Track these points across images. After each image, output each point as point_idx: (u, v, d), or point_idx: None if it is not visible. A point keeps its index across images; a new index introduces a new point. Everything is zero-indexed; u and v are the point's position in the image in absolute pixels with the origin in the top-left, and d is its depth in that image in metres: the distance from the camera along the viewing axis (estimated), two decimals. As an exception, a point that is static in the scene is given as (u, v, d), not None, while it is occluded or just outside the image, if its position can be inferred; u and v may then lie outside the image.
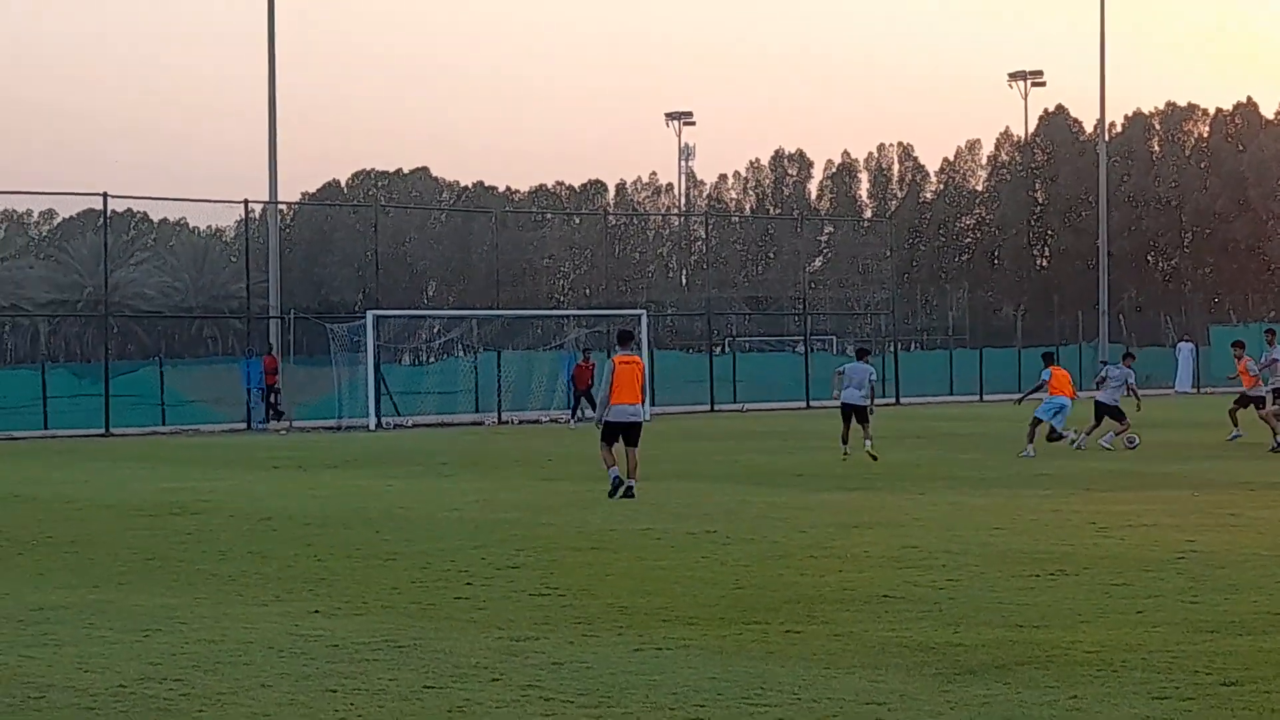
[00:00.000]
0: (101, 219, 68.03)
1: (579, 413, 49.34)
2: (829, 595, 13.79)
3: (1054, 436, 32.17)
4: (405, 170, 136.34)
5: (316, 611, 13.41)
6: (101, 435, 47.59)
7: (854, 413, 31.07)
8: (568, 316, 74.83)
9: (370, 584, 15.06)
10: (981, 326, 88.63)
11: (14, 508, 24.02)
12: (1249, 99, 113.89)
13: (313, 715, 9.58)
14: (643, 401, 24.52)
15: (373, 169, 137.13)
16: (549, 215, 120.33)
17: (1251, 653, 10.91)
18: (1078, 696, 9.69)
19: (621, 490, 23.27)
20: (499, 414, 53.59)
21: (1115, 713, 9.29)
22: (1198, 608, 12.79)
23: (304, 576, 15.66)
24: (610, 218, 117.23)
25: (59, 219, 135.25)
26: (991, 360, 72.36)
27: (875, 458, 29.69)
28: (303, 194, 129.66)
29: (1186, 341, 77.80)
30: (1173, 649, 11.07)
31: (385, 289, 72.63)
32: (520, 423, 51.79)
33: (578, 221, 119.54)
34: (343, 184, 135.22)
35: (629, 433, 23.91)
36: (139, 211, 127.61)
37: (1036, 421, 31.91)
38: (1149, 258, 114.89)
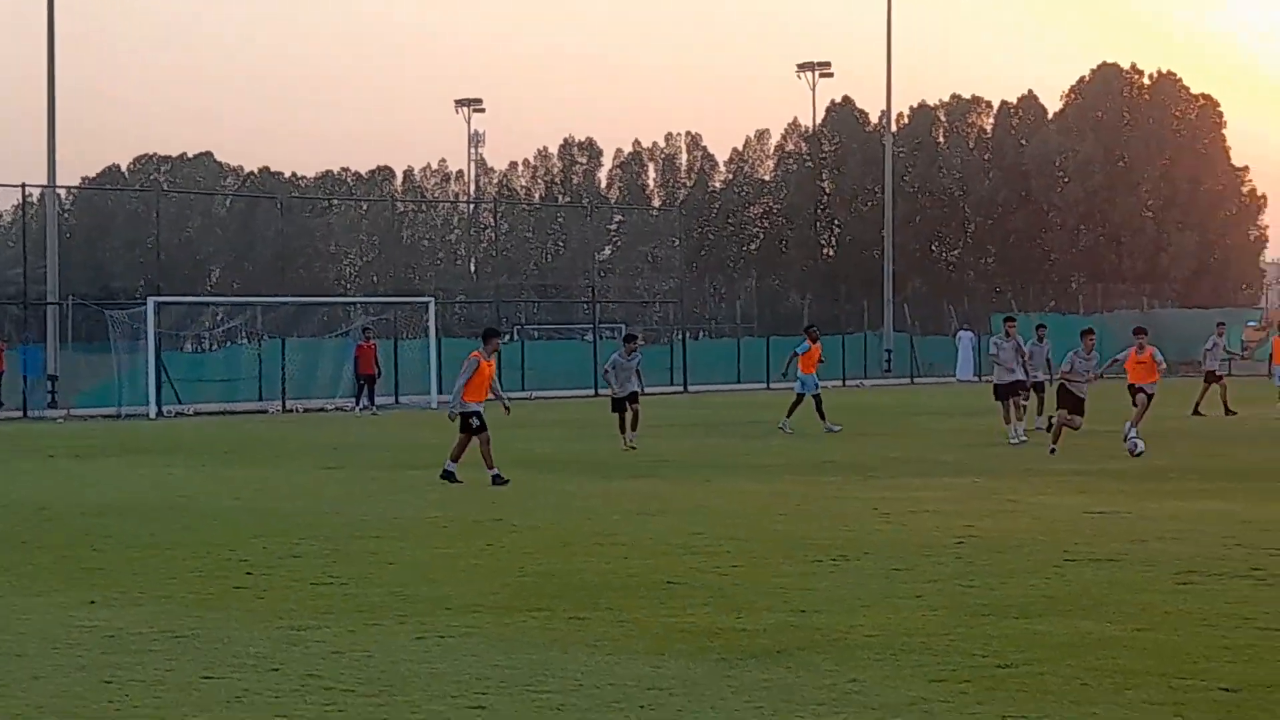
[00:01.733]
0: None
1: (362, 400, 48.96)
2: (614, 582, 13.80)
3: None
4: (189, 155, 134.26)
5: (92, 602, 13.14)
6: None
7: (629, 400, 31.23)
8: (354, 304, 74.26)
9: (148, 574, 14.79)
10: (769, 315, 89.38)
11: None
12: (1031, 92, 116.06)
13: (87, 707, 9.37)
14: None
15: (155, 153, 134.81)
16: (336, 202, 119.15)
17: (1026, 635, 11.08)
18: (857, 680, 9.77)
19: (455, 476, 23.42)
20: (283, 402, 52.99)
21: (893, 695, 9.38)
22: (975, 592, 12.98)
23: (80, 567, 15.34)
24: (398, 205, 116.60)
25: None
26: (779, 348, 72.95)
27: (634, 448, 29.96)
28: (83, 178, 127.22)
29: (966, 330, 79.21)
30: (950, 632, 11.22)
31: (167, 275, 71.57)
32: (305, 411, 51.25)
33: (365, 208, 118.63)
34: (124, 168, 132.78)
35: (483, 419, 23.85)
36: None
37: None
38: (933, 247, 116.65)
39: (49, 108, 57.84)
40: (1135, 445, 26.83)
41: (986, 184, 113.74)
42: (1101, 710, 8.93)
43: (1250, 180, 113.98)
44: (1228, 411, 38.44)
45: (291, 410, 51.67)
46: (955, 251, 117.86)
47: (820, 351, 36.79)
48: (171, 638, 11.48)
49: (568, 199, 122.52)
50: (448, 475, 23.50)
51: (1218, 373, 40.53)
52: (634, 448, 30.04)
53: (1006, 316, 36.14)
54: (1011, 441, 30.16)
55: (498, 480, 23.05)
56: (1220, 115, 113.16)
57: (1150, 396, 29.17)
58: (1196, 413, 38.52)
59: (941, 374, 76.15)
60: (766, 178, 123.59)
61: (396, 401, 54.78)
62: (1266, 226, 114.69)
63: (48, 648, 11.21)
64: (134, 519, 19.56)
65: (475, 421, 23.61)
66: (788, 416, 34.86)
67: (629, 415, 30.84)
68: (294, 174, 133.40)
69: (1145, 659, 10.24)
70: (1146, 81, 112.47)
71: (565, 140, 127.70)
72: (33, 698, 9.63)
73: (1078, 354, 28.48)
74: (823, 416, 34.71)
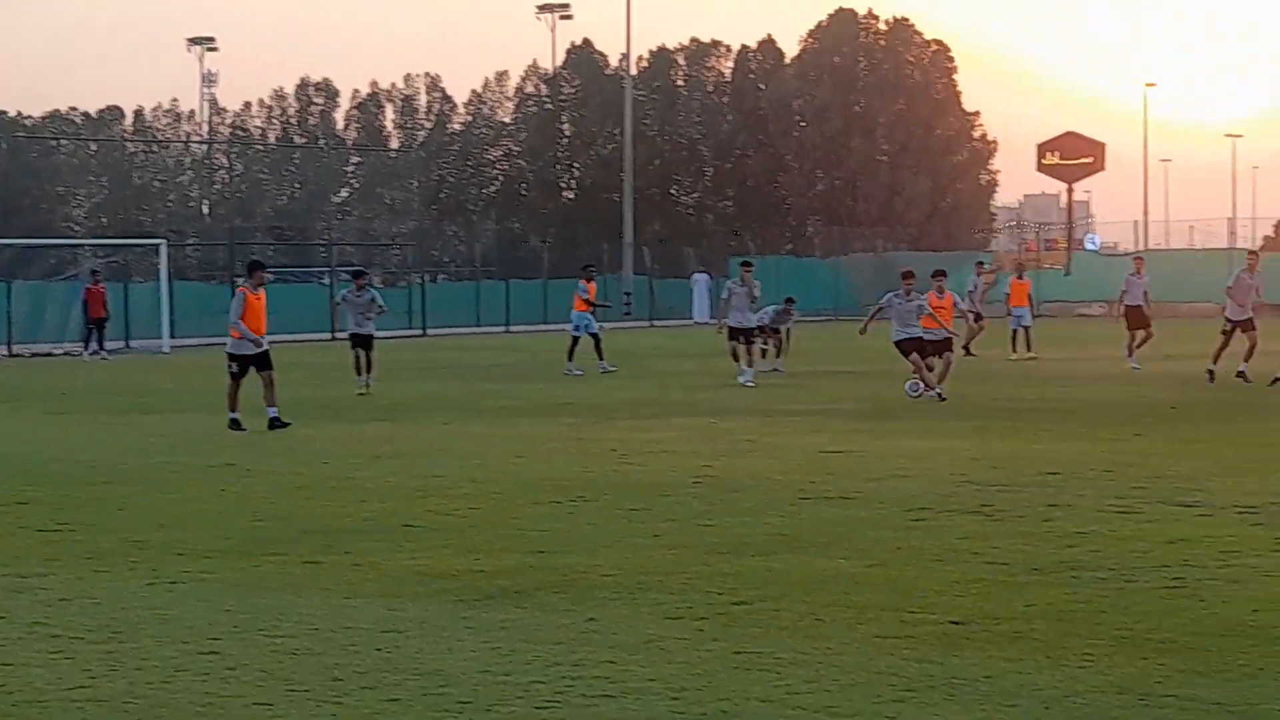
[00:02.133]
0: None
1: (92, 344, 47.90)
2: (350, 526, 13.67)
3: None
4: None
5: None
6: None
7: (364, 342, 30.89)
8: (83, 246, 72.62)
9: None
10: (509, 258, 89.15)
11: None
12: (770, 37, 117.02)
13: None
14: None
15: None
16: (63, 141, 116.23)
17: (762, 572, 11.20)
18: (595, 619, 9.79)
19: (269, 424, 22.69)
20: (9, 347, 51.62)
21: (630, 633, 9.41)
22: (712, 530, 13.09)
23: None
24: (128, 145, 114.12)
25: None
26: (518, 292, 72.98)
27: (371, 391, 29.83)
28: None
29: (702, 273, 79.88)
30: (688, 570, 11.29)
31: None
32: (33, 355, 49.98)
33: (93, 148, 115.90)
34: None
35: (260, 361, 23.24)
36: None
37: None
38: (672, 191, 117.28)
39: None
40: (914, 387, 26.86)
41: (725, 128, 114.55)
42: (835, 644, 9.05)
43: (981, 125, 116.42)
44: (967, 353, 39.20)
45: (18, 355, 50.36)
46: (694, 195, 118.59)
47: (596, 291, 37.13)
48: (-110, 588, 11.13)
49: (304, 140, 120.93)
50: (240, 424, 22.75)
51: (980, 314, 41.18)
52: (370, 391, 29.77)
53: (743, 261, 36.48)
54: (741, 381, 30.43)
55: (275, 424, 22.57)
56: (951, 61, 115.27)
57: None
58: (967, 353, 39.08)
59: (680, 316, 76.72)
60: (506, 120, 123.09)
61: (128, 346, 53.65)
62: (997, 171, 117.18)
63: None
64: None
65: (234, 367, 23.10)
66: (569, 359, 35.02)
67: (364, 358, 30.53)
68: (19, 112, 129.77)
69: (877, 594, 10.41)
70: (882, 27, 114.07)
71: (301, 80, 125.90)
72: None
73: (896, 295, 27.49)
74: (600, 356, 34.97)
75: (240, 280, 24.32)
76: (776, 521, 13.52)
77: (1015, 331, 39.73)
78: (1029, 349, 38.86)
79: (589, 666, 8.62)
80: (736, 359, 31.42)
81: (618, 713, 7.72)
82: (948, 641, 9.08)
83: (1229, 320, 30.61)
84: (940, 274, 28.06)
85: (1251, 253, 34.64)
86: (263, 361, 23.16)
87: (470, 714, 7.73)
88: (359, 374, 30.48)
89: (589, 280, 36.98)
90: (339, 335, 57.92)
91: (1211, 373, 29.65)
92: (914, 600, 10.18)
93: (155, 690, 8.26)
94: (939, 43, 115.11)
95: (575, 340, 35.71)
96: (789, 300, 36.98)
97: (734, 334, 31.79)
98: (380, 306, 31.41)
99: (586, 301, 36.47)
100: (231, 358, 23.19)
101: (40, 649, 9.24)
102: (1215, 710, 7.63)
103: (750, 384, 30.21)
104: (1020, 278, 41.41)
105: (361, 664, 8.76)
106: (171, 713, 7.82)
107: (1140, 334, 34.23)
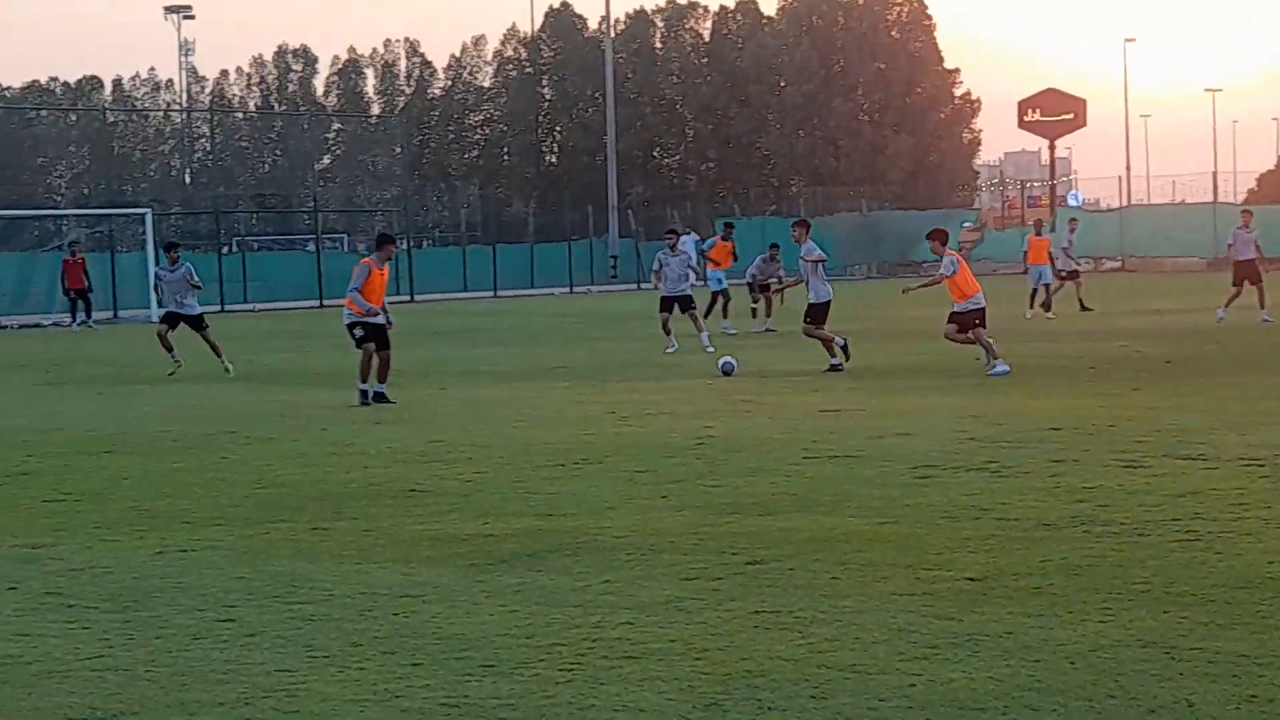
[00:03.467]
0: None
1: (79, 315, 47.77)
2: (356, 491, 13.63)
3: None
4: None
5: None
6: None
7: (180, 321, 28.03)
8: (66, 217, 72.36)
9: None
10: (494, 223, 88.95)
11: None
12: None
13: None
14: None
15: None
16: (43, 112, 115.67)
17: (773, 532, 11.17)
18: (610, 580, 9.76)
19: (371, 396, 21.51)
20: (-1, 318, 51.53)
21: (647, 594, 9.39)
22: (719, 491, 13.06)
23: None
24: (108, 114, 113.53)
25: None
26: (505, 256, 72.92)
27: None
28: None
29: (688, 234, 79.87)
30: (698, 531, 11.27)
31: None
32: (20, 327, 49.86)
33: (74, 119, 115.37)
34: None
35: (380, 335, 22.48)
36: None
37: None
38: (655, 153, 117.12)
39: None
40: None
41: (705, 89, 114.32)
42: (853, 602, 9.03)
43: (963, 83, 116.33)
44: (1082, 308, 39.33)
45: (5, 326, 50.24)
46: (676, 156, 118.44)
47: (733, 248, 37.92)
48: (-102, 561, 11.08)
49: (284, 107, 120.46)
50: (367, 396, 21.53)
51: (1077, 270, 41.38)
52: (231, 372, 27.84)
53: (726, 221, 36.78)
54: (667, 352, 29.29)
55: (378, 398, 21.45)
56: (929, 18, 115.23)
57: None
58: (1084, 309, 39.21)
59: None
60: (486, 84, 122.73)
61: (115, 316, 53.59)
62: (980, 130, 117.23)
63: None
64: None
65: (358, 332, 21.89)
66: (724, 317, 35.39)
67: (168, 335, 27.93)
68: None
69: (891, 552, 10.39)
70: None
71: (280, 47, 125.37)
72: None
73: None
74: (722, 314, 35.43)
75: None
76: (782, 481, 13.49)
77: (1034, 289, 39.36)
78: (1047, 309, 38.28)
79: (609, 628, 8.59)
80: (667, 331, 30.04)
81: (642, 673, 7.69)
82: (966, 598, 9.06)
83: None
84: (937, 233, 25.22)
85: (1245, 211, 35.05)
86: (383, 340, 22.13)
87: (494, 677, 7.70)
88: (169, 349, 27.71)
89: (726, 239, 37.50)
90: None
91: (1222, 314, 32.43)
92: (928, 557, 10.16)
93: (175, 658, 8.22)
94: (917, 1, 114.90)
95: (719, 298, 35.68)
96: (773, 246, 36.67)
97: (665, 304, 30.49)
98: (196, 282, 28.09)
99: (714, 260, 36.78)
100: (355, 325, 21.91)
101: (56, 619, 9.19)
102: (1242, 662, 7.62)
103: (710, 348, 28.90)
104: (1039, 234, 41.10)
105: (380, 629, 8.72)
106: (193, 680, 7.78)
107: (1248, 289, 33.79)
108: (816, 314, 25.09)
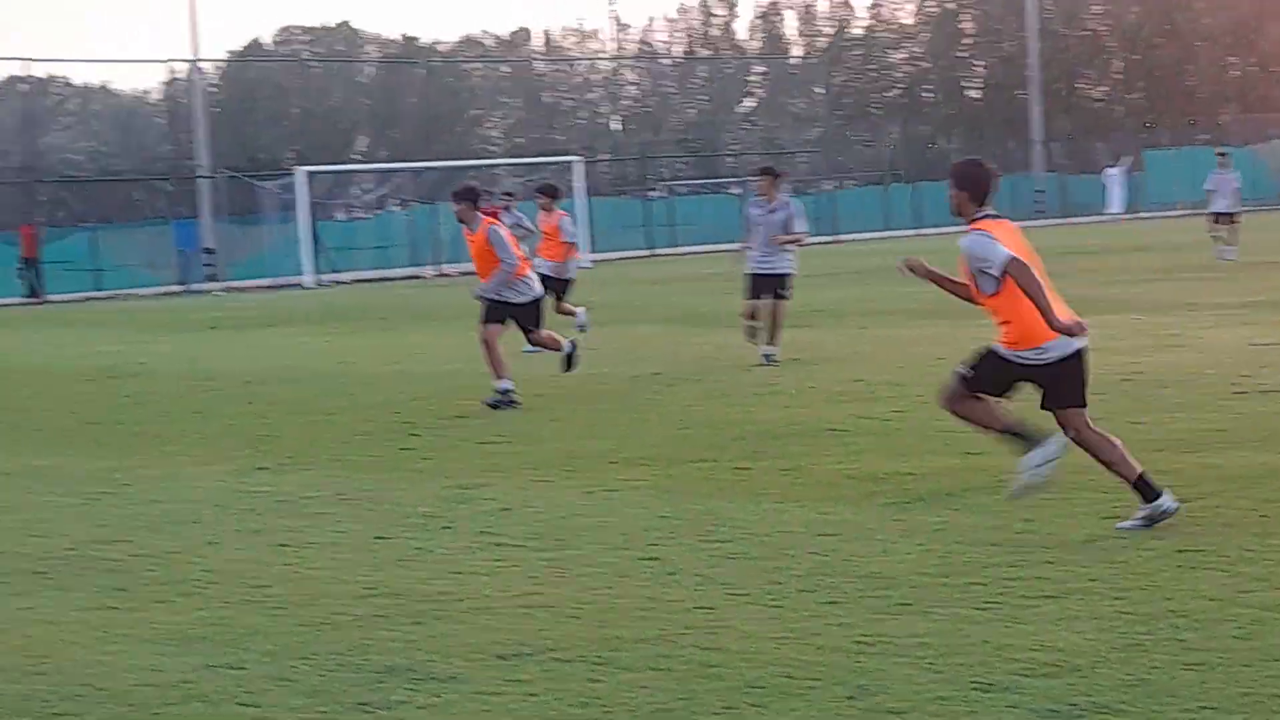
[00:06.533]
0: (23, 85, 66.87)
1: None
2: (775, 431, 13.77)
3: None
4: (329, 25, 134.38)
5: (262, 468, 13.32)
6: (36, 303, 47.20)
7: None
8: (499, 166, 74.35)
9: (314, 439, 14.97)
10: (915, 161, 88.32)
11: (-50, 379, 23.78)
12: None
13: (266, 570, 9.49)
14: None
15: (296, 25, 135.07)
16: (477, 66, 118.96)
17: (1200, 469, 10.95)
18: (1031, 519, 9.69)
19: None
20: (439, 266, 53.24)
21: (1070, 532, 9.32)
22: (1145, 428, 12.81)
23: (247, 434, 15.55)
24: (538, 65, 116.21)
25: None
26: (927, 194, 72.39)
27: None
28: (229, 53, 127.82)
29: (1114, 166, 78.10)
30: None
31: (314, 146, 71.83)
32: (461, 275, 51.43)
33: (505, 70, 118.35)
34: (267, 41, 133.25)
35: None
36: (60, 77, 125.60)
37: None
38: (1079, 85, 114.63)
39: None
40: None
41: (1130, 19, 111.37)
42: (1282, 541, 8.80)
43: None
44: None
45: (447, 274, 51.94)
46: (1101, 88, 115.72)
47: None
48: (342, 500, 11.62)
49: (708, 52, 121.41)
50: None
51: None
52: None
53: (1219, 151, 37.49)
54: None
55: (769, 360, 19.18)
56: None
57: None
58: None
59: (1093, 213, 75.21)
60: (908, 22, 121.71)
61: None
62: None
63: (221, 513, 11.38)
64: (298, 387, 19.81)
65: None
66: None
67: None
68: (435, 40, 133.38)
69: (1324, 489, 10.07)
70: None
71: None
72: (210, 562, 9.77)
73: (754, 204, 20.73)
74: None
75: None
76: (1211, 417, 13.17)
77: None
78: None
79: (1027, 567, 8.53)
80: (753, 336, 20.02)
81: (1060, 612, 7.62)
82: (1403, 537, 8.74)
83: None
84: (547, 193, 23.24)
85: (1220, 153, 36.87)
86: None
87: (910, 616, 7.72)
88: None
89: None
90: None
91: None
92: (1364, 495, 9.82)
93: (599, 595, 8.45)
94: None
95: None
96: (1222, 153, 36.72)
97: (754, 288, 20.13)
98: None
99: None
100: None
101: (486, 557, 9.53)
102: None
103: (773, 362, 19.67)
104: None
105: (798, 567, 8.82)
106: (617, 616, 7.99)
107: None
108: None
